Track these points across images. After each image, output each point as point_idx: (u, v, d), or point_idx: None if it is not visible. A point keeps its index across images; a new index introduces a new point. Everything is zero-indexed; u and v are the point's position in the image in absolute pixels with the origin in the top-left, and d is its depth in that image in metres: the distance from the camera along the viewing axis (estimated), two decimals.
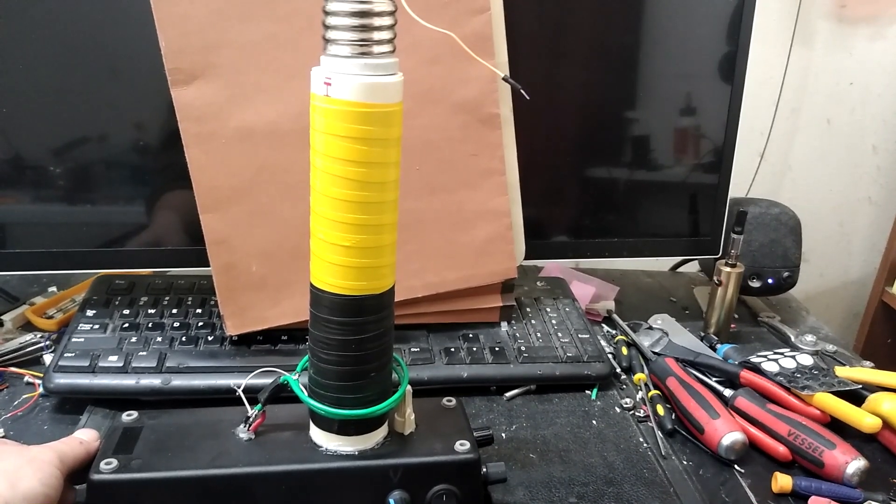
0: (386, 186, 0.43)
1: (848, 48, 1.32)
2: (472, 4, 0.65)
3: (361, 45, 0.40)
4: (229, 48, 0.61)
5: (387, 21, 0.41)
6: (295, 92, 0.62)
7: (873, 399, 0.64)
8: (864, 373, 0.67)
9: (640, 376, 0.71)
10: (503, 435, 0.62)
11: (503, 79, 0.42)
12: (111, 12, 0.64)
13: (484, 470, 0.50)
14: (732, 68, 0.78)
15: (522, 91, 0.40)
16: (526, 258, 0.73)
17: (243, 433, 0.49)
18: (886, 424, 0.62)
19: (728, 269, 0.78)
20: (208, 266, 0.63)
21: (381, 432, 0.50)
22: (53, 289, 0.81)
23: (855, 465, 0.56)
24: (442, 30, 0.41)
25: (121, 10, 0.64)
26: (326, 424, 0.48)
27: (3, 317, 0.73)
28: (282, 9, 0.61)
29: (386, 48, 0.41)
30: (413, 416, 0.51)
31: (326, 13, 0.41)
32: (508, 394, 0.68)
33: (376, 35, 0.41)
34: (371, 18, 0.40)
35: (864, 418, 0.61)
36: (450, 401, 0.56)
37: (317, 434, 0.49)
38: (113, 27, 0.64)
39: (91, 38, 0.64)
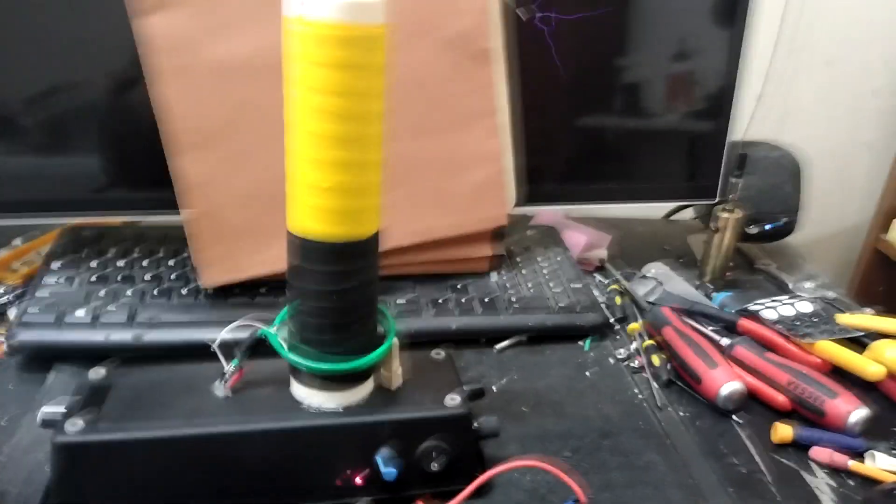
0: (369, 120, 0.39)
1: None
2: None
3: None
4: None
5: None
6: (274, 21, 0.56)
7: (876, 346, 0.62)
8: (867, 319, 0.65)
9: (634, 326, 0.69)
10: (494, 388, 0.60)
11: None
12: None
13: (475, 424, 0.48)
14: (733, 7, 0.74)
15: (520, 12, 0.36)
16: (517, 204, 0.70)
17: (220, 390, 0.46)
18: (889, 372, 0.61)
19: (726, 214, 0.75)
20: (180, 214, 0.60)
21: (366, 387, 0.47)
22: (18, 241, 0.76)
23: (857, 414, 0.55)
24: None
25: None
26: (308, 379, 0.45)
27: None
28: None
29: None
30: (400, 370, 0.48)
31: None
32: (499, 345, 0.65)
33: None
34: None
35: (867, 366, 0.59)
36: (439, 353, 0.53)
37: (298, 390, 0.46)
38: None
39: None
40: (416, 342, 0.61)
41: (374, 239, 0.43)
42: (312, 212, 0.40)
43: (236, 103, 0.59)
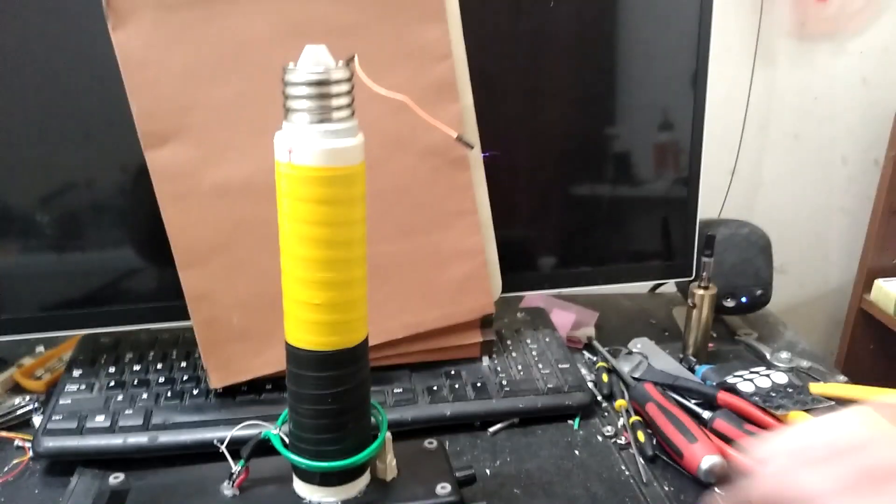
0: (352, 244, 0.45)
1: (810, 64, 1.35)
2: (434, 52, 0.67)
3: (320, 113, 0.42)
4: (200, 109, 0.63)
5: (344, 87, 0.43)
6: (267, 147, 0.63)
7: None
8: (838, 388, 0.68)
9: (620, 403, 0.72)
10: (487, 471, 0.63)
11: (456, 139, 0.44)
12: (91, 62, 0.66)
13: None
14: (695, 82, 0.80)
15: (469, 145, 0.42)
16: (503, 291, 0.75)
17: (228, 490, 0.50)
18: None
19: (701, 291, 0.79)
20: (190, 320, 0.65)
21: (363, 480, 0.51)
22: (41, 349, 0.81)
23: None
24: (395, 95, 0.43)
25: (97, 70, 0.65)
26: (308, 476, 0.49)
27: None
28: (249, 68, 0.63)
29: (345, 113, 0.43)
30: (394, 462, 0.52)
31: (285, 84, 0.43)
32: (492, 429, 0.69)
33: (334, 101, 0.42)
34: (328, 86, 0.42)
35: None
36: (431, 443, 0.57)
37: (300, 486, 0.50)
38: (88, 89, 0.66)
39: (68, 99, 0.66)
40: (413, 429, 0.65)
41: (362, 345, 0.48)
42: (305, 325, 0.45)
43: (236, 220, 0.64)
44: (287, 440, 0.50)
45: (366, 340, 0.48)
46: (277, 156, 0.43)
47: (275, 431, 0.50)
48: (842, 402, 0.67)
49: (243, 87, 0.64)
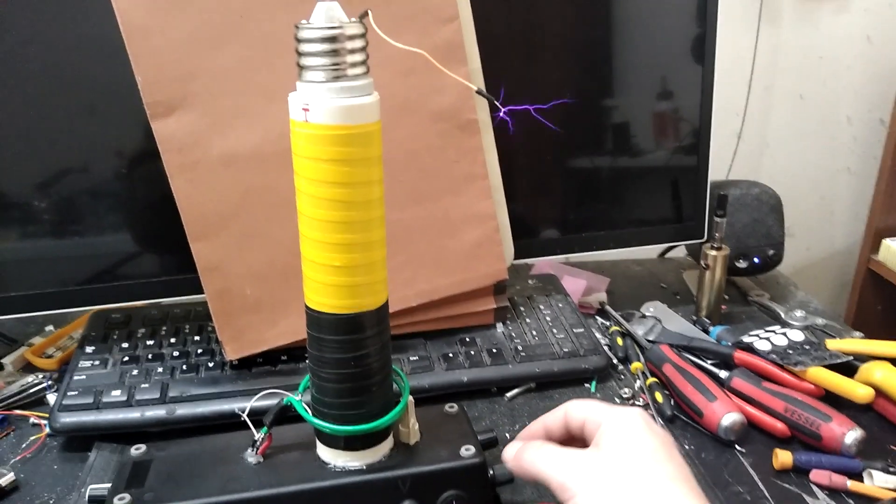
0: (371, 204, 0.44)
1: (814, 23, 1.34)
2: (441, 14, 0.66)
3: (335, 70, 0.41)
4: (205, 76, 0.62)
5: (358, 43, 0.42)
6: (274, 114, 0.63)
7: (865, 369, 0.65)
8: (855, 343, 0.68)
9: (636, 365, 0.72)
10: (507, 435, 0.63)
11: (476, 92, 0.43)
12: (89, 45, 0.65)
13: (491, 472, 0.51)
14: (703, 51, 0.79)
15: (496, 102, 0.41)
16: (515, 258, 0.74)
17: (252, 457, 0.50)
18: (880, 393, 0.63)
19: (714, 252, 0.79)
20: (203, 293, 0.64)
21: (387, 444, 0.51)
22: (51, 327, 0.81)
23: (852, 435, 0.58)
24: (412, 48, 0.42)
25: (99, 43, 0.64)
26: (332, 441, 0.49)
27: (2, 360, 0.73)
28: (253, 34, 0.62)
29: (360, 70, 0.42)
30: (417, 426, 0.52)
31: (298, 41, 0.41)
32: (509, 394, 0.69)
33: (349, 58, 0.41)
34: (343, 42, 0.41)
35: (856, 389, 0.62)
36: (452, 407, 0.56)
37: (324, 451, 0.50)
38: (91, 61, 0.65)
39: (71, 71, 0.65)
40: (431, 396, 0.65)
41: (383, 308, 0.47)
42: (325, 288, 0.45)
43: (246, 188, 0.64)
44: (309, 407, 0.49)
45: (386, 303, 0.48)
46: (292, 115, 0.42)
47: (297, 398, 0.50)
48: (859, 357, 0.67)
49: (249, 53, 0.62)
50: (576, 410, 0.48)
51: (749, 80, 1.31)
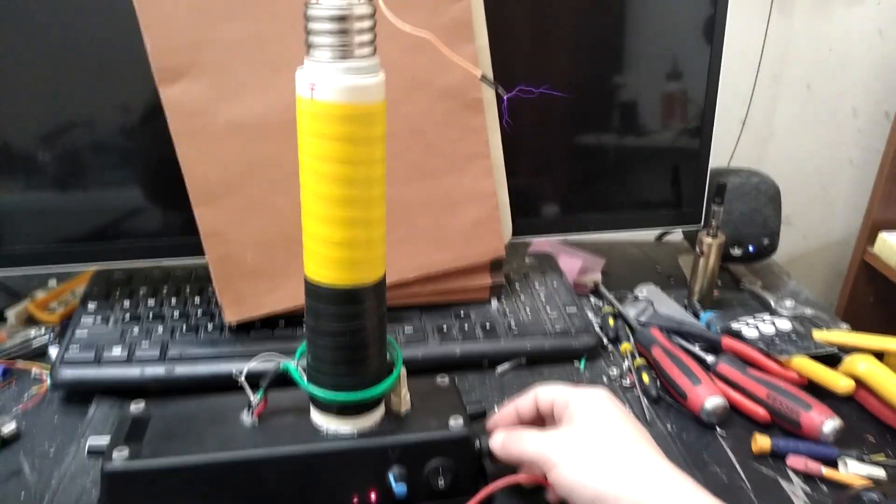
0: (373, 182, 0.45)
1: (827, 14, 1.33)
2: None
3: (343, 49, 0.42)
4: (214, 46, 0.62)
5: (366, 24, 0.42)
6: (281, 86, 0.63)
7: (849, 361, 0.66)
8: (840, 335, 0.70)
9: (626, 346, 0.74)
10: (496, 408, 0.65)
11: (480, 78, 0.43)
12: (100, 5, 0.65)
13: (477, 444, 0.53)
14: (712, 36, 0.79)
15: (499, 89, 0.42)
16: (513, 235, 0.76)
17: (247, 418, 0.51)
18: (862, 385, 0.65)
19: (710, 239, 0.80)
20: (205, 256, 0.65)
21: (378, 412, 0.52)
22: (53, 282, 0.82)
23: (830, 424, 0.59)
24: (419, 32, 0.42)
25: (110, 3, 0.64)
26: (326, 407, 0.50)
27: (5, 312, 0.75)
28: (263, 8, 0.62)
29: (367, 50, 0.43)
30: (408, 396, 0.53)
31: (308, 19, 0.42)
32: (500, 368, 0.70)
33: (357, 38, 0.42)
34: (351, 22, 0.42)
35: (838, 381, 0.64)
36: (443, 378, 0.58)
37: (317, 417, 0.51)
38: (101, 24, 0.65)
39: (81, 29, 0.65)
40: (424, 368, 0.67)
41: (380, 283, 0.48)
42: (325, 262, 0.46)
43: (250, 157, 0.64)
44: (305, 373, 0.51)
45: (383, 278, 0.49)
46: (299, 91, 0.43)
47: (293, 364, 0.51)
48: (844, 348, 0.68)
49: (258, 25, 0.63)
50: (545, 393, 0.54)
51: (757, 69, 1.30)
